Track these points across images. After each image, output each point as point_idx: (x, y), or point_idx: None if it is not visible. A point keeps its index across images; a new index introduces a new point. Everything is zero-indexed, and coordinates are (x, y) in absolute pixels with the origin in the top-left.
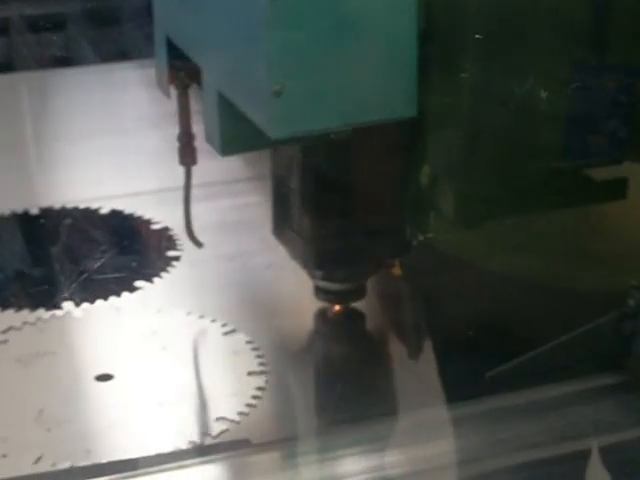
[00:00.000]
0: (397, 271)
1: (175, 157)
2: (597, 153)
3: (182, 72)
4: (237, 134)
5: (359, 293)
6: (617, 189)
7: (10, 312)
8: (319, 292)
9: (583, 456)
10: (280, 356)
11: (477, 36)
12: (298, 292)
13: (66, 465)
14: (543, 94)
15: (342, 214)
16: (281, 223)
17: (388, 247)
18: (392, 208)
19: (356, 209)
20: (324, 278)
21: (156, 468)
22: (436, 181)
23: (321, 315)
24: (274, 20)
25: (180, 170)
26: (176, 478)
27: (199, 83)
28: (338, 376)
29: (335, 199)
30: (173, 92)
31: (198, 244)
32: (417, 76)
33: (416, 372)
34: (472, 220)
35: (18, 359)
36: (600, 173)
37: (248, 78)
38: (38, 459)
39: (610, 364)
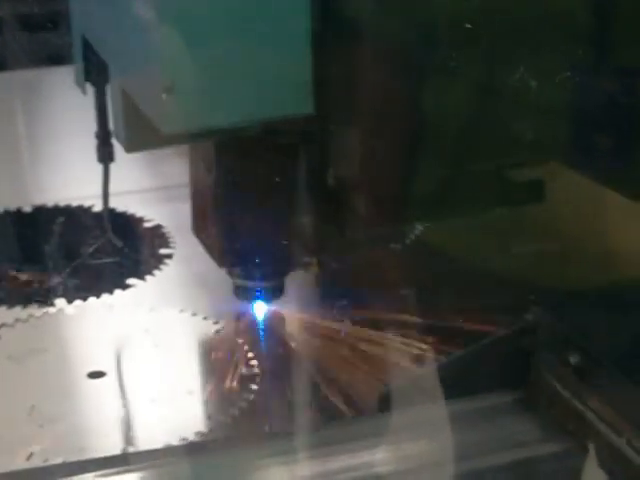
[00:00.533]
0: (315, 269)
1: (167, 156)
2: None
3: (96, 69)
4: (141, 131)
5: (278, 291)
6: (535, 191)
7: (2, 309)
8: (238, 290)
9: (479, 476)
10: (272, 356)
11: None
12: None
13: (58, 461)
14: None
15: (258, 212)
16: (199, 221)
17: (305, 245)
18: (307, 206)
19: (271, 207)
20: (242, 276)
21: (147, 464)
22: (344, 182)
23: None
24: (163, 15)
25: (172, 168)
26: (166, 474)
27: None
28: (329, 377)
29: (250, 196)
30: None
31: (118, 243)
32: (312, 72)
33: None
34: (383, 222)
35: (10, 356)
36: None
37: (143, 75)
38: (30, 455)
39: (510, 380)
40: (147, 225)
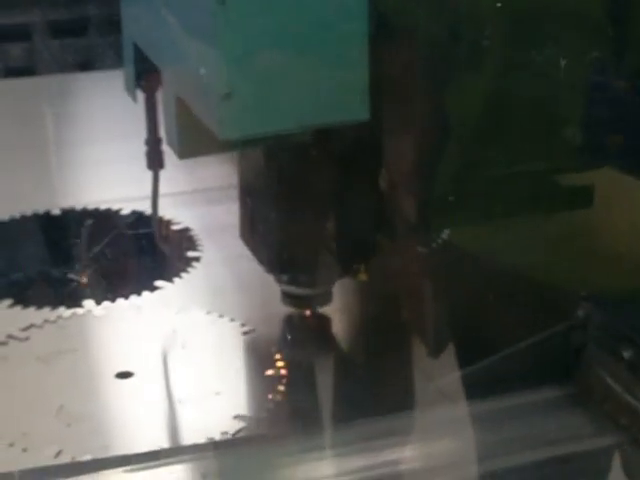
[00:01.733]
0: (363, 276)
1: (195, 160)
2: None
3: (148, 76)
4: (195, 137)
5: (325, 298)
6: (584, 196)
7: (31, 310)
8: (285, 297)
9: (536, 467)
10: (298, 355)
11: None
12: None
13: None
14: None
15: (307, 219)
16: (248, 227)
17: (354, 252)
18: (358, 213)
19: (321, 214)
20: (289, 282)
21: (174, 459)
22: (397, 187)
23: (338, 317)
24: (223, 22)
25: (200, 172)
26: (191, 470)
27: None
28: (356, 375)
29: (300, 203)
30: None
31: (166, 250)
32: (368, 79)
33: None
34: (434, 226)
35: (39, 357)
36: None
37: (199, 81)
38: (58, 453)
39: (560, 375)
40: (175, 227)
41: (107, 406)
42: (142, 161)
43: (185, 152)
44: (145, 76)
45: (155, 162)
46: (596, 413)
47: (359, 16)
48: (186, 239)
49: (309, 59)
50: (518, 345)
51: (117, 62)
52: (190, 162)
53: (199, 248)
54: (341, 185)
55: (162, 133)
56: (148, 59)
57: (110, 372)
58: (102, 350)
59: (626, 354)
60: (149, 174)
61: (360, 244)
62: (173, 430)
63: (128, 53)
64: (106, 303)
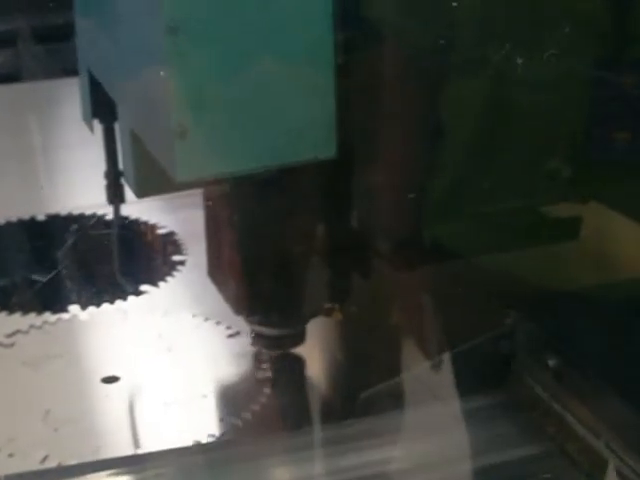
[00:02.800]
0: (338, 315)
1: None
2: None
3: (103, 106)
4: (153, 174)
5: (298, 338)
6: (570, 228)
7: (17, 316)
8: (255, 337)
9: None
10: (285, 359)
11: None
12: None
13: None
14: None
15: (276, 256)
16: (215, 264)
17: (328, 292)
18: (332, 250)
19: (291, 250)
20: (260, 323)
21: (159, 462)
22: (367, 225)
23: (325, 320)
24: (173, 52)
25: None
26: (177, 472)
27: None
28: (343, 378)
29: (268, 240)
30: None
31: (127, 288)
32: (335, 111)
33: None
34: (414, 263)
35: (25, 362)
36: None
37: (152, 117)
38: (44, 458)
39: (490, 383)
40: (160, 232)
41: (94, 410)
42: None
43: (142, 191)
44: (102, 107)
45: (115, 196)
46: (525, 422)
47: (324, 43)
48: (171, 243)
49: (270, 92)
50: (446, 353)
51: None
52: None
53: (184, 252)
54: (313, 220)
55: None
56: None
57: (96, 377)
58: (88, 355)
59: (551, 362)
60: None
61: (334, 282)
62: (160, 433)
63: (84, 81)
64: (91, 308)
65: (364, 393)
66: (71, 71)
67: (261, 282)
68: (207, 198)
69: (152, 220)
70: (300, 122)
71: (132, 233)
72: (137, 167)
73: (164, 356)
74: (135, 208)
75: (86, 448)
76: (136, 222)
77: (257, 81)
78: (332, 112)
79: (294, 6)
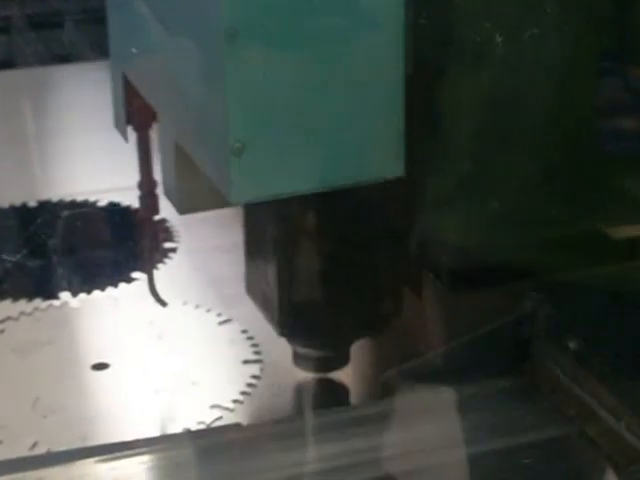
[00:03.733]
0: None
1: None
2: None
3: (139, 112)
4: (198, 189)
5: (342, 360)
6: (636, 249)
7: (7, 302)
8: (298, 358)
9: (479, 460)
10: (275, 345)
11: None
12: None
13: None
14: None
15: (325, 275)
16: (256, 283)
17: (376, 311)
18: (380, 272)
19: (340, 269)
20: (304, 345)
21: (148, 448)
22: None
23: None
24: (233, 63)
25: None
26: (166, 459)
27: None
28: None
29: (317, 259)
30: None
31: (163, 304)
32: (404, 130)
33: None
34: (466, 287)
35: (14, 349)
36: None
37: (204, 131)
38: (34, 445)
39: (509, 367)
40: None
41: (83, 398)
42: (120, 153)
43: (186, 207)
44: (137, 112)
45: (149, 208)
46: (544, 405)
47: (394, 55)
48: (163, 230)
49: (334, 106)
50: (466, 337)
51: (94, 54)
52: None
53: (176, 239)
54: (360, 243)
55: (156, 175)
56: (139, 93)
57: (86, 363)
58: (78, 342)
59: (572, 345)
60: (126, 165)
61: (380, 303)
62: (150, 420)
63: (117, 85)
64: (82, 295)
65: (385, 374)
66: (64, 58)
67: (307, 302)
68: (247, 213)
69: None
70: (366, 138)
71: (124, 220)
72: (180, 181)
73: (155, 343)
74: (127, 196)
75: (75, 435)
76: (128, 209)
77: (321, 94)
78: (401, 127)
79: (361, 11)
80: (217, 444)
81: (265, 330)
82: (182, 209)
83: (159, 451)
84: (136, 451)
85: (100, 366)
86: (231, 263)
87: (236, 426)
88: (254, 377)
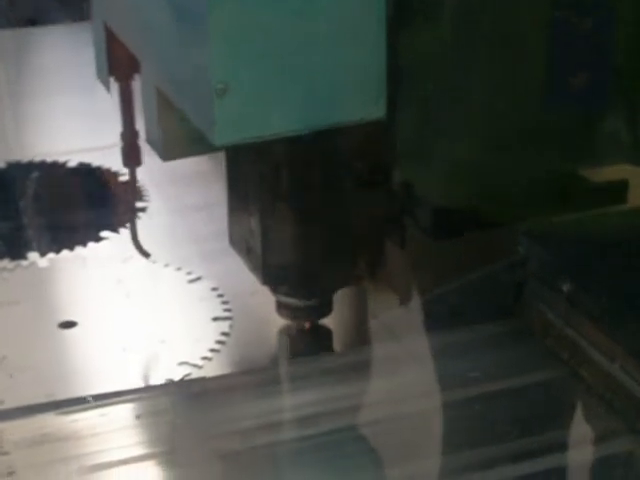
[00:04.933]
0: (365, 283)
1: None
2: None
3: (121, 62)
4: (181, 135)
5: (325, 309)
6: (617, 192)
7: None
8: (281, 308)
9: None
10: (245, 302)
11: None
12: None
13: None
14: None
15: (307, 224)
16: (238, 232)
17: (359, 260)
18: (364, 217)
19: (323, 218)
20: (287, 294)
21: (108, 401)
22: (410, 191)
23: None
24: (216, 4)
25: None
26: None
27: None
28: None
29: (299, 207)
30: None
31: (146, 255)
32: (385, 72)
33: None
34: (448, 234)
35: None
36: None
37: (188, 74)
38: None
39: (501, 311)
40: (122, 179)
41: (50, 356)
42: (91, 115)
43: (170, 153)
44: (119, 63)
45: (132, 158)
46: (538, 348)
47: None
48: (134, 189)
49: (316, 47)
50: (460, 281)
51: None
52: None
53: (145, 199)
54: (344, 187)
55: (139, 126)
56: (121, 43)
57: (53, 322)
58: (46, 301)
59: (565, 287)
60: (97, 127)
61: (365, 250)
62: (117, 378)
63: (99, 35)
64: (51, 254)
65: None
66: (34, 21)
67: (289, 251)
68: (229, 160)
69: (114, 168)
70: (348, 80)
71: (94, 181)
72: (163, 128)
73: (123, 302)
74: (97, 156)
75: (41, 393)
76: (98, 169)
77: (304, 31)
78: (382, 69)
79: None
80: (177, 396)
81: (235, 287)
82: (165, 156)
83: (120, 403)
84: (97, 404)
85: (67, 324)
86: (202, 222)
87: (202, 379)
88: (224, 334)
